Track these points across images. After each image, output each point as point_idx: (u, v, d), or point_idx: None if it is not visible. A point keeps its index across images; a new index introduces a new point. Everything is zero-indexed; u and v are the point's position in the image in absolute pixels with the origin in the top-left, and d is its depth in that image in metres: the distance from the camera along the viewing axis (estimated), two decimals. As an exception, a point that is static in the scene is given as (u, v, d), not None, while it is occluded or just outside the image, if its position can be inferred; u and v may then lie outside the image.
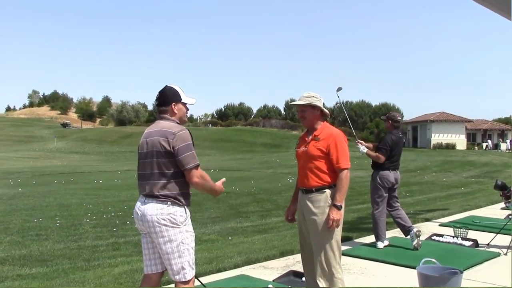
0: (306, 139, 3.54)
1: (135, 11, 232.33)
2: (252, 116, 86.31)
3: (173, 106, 3.04)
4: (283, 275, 4.57)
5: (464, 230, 6.26)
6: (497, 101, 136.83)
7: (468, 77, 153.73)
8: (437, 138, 48.67)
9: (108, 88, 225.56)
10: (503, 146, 48.71)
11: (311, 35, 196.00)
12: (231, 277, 4.55)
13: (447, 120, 49.56)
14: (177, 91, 3.07)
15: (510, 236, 5.71)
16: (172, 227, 2.86)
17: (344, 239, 5.71)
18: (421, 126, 52.13)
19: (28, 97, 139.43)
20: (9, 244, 6.32)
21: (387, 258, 5.23)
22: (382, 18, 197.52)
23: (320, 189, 3.38)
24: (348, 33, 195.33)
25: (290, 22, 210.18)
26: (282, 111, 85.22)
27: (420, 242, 5.67)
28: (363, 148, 5.72)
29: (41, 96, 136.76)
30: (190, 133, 2.96)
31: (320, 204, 3.36)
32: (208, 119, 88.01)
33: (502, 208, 8.91)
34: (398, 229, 6.07)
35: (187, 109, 3.14)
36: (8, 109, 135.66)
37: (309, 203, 3.41)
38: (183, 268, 2.90)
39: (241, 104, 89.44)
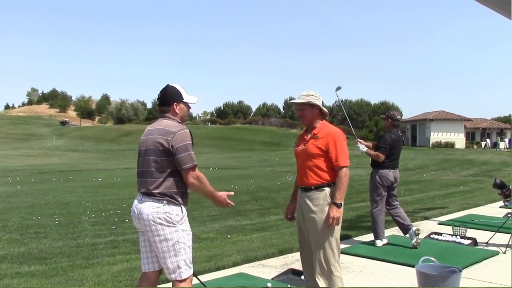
0: (305, 137, 3.54)
1: (134, 9, 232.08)
2: (251, 114, 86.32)
3: (174, 106, 3.02)
4: (282, 273, 4.57)
5: (463, 228, 6.26)
6: (496, 100, 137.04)
7: (467, 76, 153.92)
8: (436, 136, 48.73)
9: (107, 86, 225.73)
10: (502, 145, 48.77)
11: (311, 33, 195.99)
12: (230, 275, 4.55)
13: (446, 119, 49.62)
14: (178, 91, 3.05)
15: (508, 235, 5.72)
16: (168, 226, 2.86)
17: (343, 238, 5.70)
18: (420, 124, 52.18)
19: (27, 95, 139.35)
20: (8, 242, 6.32)
21: (386, 257, 5.23)
22: (381, 16, 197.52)
23: (319, 187, 3.38)
24: (347, 31, 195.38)
25: (290, 21, 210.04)
26: (281, 110, 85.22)
27: (419, 241, 5.67)
28: (362, 147, 5.73)
29: (40, 94, 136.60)
30: (190, 132, 2.95)
31: (319, 202, 3.36)
32: (207, 117, 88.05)
33: (501, 207, 8.92)
34: (397, 228, 6.07)
35: (189, 108, 3.12)
36: (7, 107, 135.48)
37: (308, 201, 3.41)
38: (179, 267, 2.89)
39: (240, 102, 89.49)
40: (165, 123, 2.97)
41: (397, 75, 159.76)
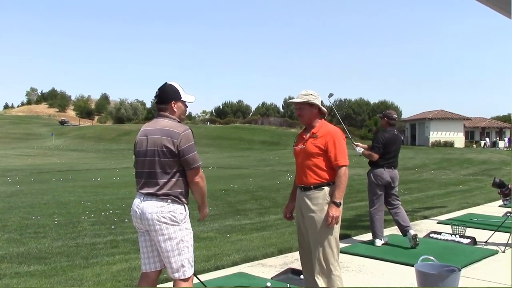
0: (304, 136, 3.54)
1: (133, 8, 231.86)
2: (251, 113, 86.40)
3: (172, 104, 3.01)
4: (281, 272, 4.57)
5: (462, 227, 6.26)
6: (496, 99, 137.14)
7: (467, 75, 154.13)
8: (435, 136, 48.75)
9: (107, 86, 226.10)
10: (501, 144, 48.82)
11: (310, 32, 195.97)
12: (229, 275, 4.55)
13: (446, 118, 49.64)
14: (177, 89, 3.04)
15: (508, 234, 5.72)
16: (172, 225, 2.86)
17: (342, 237, 5.70)
18: (419, 124, 52.20)
19: (26, 95, 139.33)
20: (7, 241, 6.31)
21: (385, 256, 5.23)
22: (381, 16, 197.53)
23: (318, 187, 3.38)
24: (347, 31, 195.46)
25: (289, 20, 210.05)
26: (281, 109, 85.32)
27: (417, 242, 5.64)
28: (359, 149, 5.77)
29: (39, 94, 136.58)
30: (192, 132, 2.97)
31: (319, 202, 3.36)
32: (207, 116, 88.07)
33: (500, 206, 8.92)
34: (396, 227, 6.07)
35: (186, 107, 3.12)
36: (6, 106, 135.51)
37: (307, 201, 3.41)
38: (182, 266, 2.90)
39: (239, 101, 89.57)
40: (165, 123, 2.96)
41: (397, 74, 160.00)
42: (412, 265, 4.03)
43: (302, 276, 3.96)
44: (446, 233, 6.34)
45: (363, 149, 5.80)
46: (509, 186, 6.55)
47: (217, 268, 4.78)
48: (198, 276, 3.76)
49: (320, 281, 3.33)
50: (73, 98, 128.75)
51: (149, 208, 2.86)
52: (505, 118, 59.61)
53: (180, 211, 2.89)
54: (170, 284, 3.12)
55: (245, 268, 4.84)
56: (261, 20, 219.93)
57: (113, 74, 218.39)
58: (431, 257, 3.93)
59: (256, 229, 7.26)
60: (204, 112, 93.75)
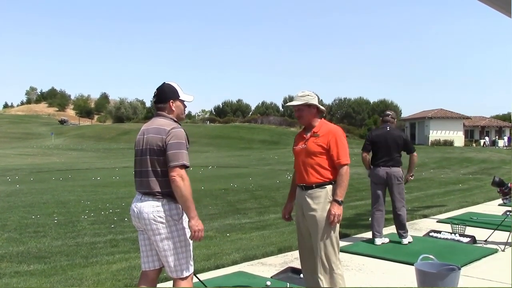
0: (305, 136, 3.53)
1: (133, 8, 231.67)
2: (250, 113, 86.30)
3: (170, 103, 3.01)
4: (281, 271, 4.57)
5: (461, 226, 6.27)
6: (495, 98, 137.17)
7: (466, 74, 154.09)
8: (435, 135, 48.74)
9: (106, 85, 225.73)
10: (501, 143, 48.82)
11: (310, 31, 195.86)
12: (229, 274, 4.55)
13: (445, 117, 49.61)
14: (175, 88, 3.04)
15: (507, 232, 5.73)
16: (169, 224, 2.86)
17: (342, 236, 5.71)
18: (419, 123, 52.19)
19: (26, 94, 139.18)
20: (7, 241, 6.31)
21: (385, 255, 5.24)
22: (380, 15, 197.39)
23: (320, 185, 3.38)
24: (346, 29, 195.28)
25: (289, 19, 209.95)
26: (280, 108, 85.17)
27: (411, 239, 5.68)
28: None
29: (39, 93, 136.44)
30: (185, 132, 2.92)
31: (320, 201, 3.36)
32: (206, 116, 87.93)
33: (499, 205, 8.93)
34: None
35: (185, 106, 3.11)
36: (5, 106, 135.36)
37: (309, 199, 3.40)
38: (180, 265, 2.90)
39: (239, 101, 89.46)
40: (160, 122, 2.95)
41: (396, 73, 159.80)
42: (412, 264, 4.03)
43: (302, 275, 3.96)
44: (445, 232, 6.34)
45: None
46: (509, 185, 6.56)
47: (217, 267, 4.78)
48: (198, 275, 3.76)
49: (322, 280, 3.33)
50: (72, 97, 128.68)
51: (146, 207, 2.87)
52: (505, 117, 59.64)
53: (176, 210, 2.89)
54: (170, 283, 3.12)
55: (245, 267, 4.84)
56: (261, 19, 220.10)
57: (113, 73, 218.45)
58: (431, 256, 3.93)
59: (255, 228, 7.26)
60: (203, 111, 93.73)
